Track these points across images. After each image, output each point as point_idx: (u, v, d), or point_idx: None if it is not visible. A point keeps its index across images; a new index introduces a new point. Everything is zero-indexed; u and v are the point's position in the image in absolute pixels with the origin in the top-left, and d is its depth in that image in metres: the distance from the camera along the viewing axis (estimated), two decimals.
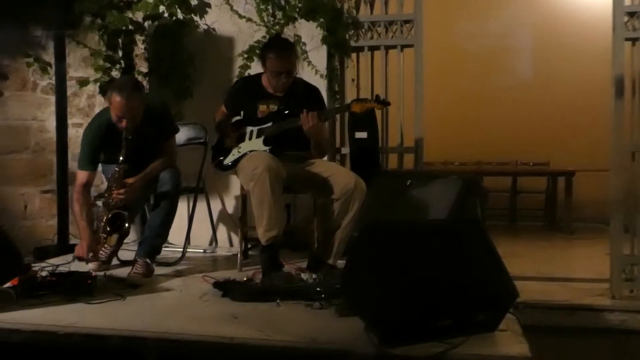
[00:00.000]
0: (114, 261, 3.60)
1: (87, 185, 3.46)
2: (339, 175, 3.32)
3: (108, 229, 3.39)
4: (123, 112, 3.31)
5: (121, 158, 3.35)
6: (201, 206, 4.02)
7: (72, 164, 4.46)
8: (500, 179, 6.61)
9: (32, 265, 3.21)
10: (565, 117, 6.58)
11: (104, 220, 3.39)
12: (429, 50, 4.48)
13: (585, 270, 4.26)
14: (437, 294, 2.08)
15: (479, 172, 6.25)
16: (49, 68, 4.46)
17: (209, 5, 4.29)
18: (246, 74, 4.23)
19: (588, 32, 6.18)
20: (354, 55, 4.53)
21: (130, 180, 3.38)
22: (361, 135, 4.20)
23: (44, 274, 2.98)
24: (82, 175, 3.45)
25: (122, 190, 3.34)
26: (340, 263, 3.25)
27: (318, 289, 2.73)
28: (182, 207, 3.69)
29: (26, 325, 2.38)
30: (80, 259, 3.38)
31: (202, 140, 4.07)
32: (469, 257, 2.21)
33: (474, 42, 6.97)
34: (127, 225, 3.38)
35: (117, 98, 3.29)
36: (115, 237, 3.43)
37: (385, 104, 3.49)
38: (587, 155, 6.05)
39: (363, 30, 4.49)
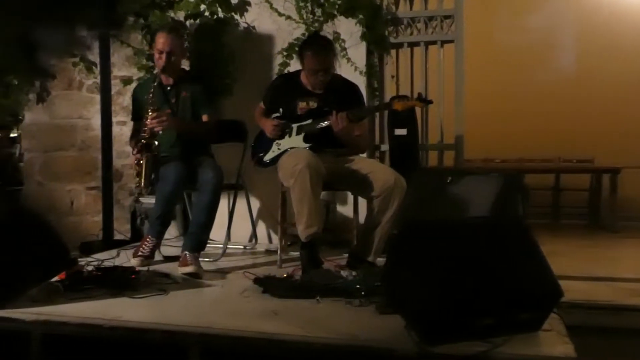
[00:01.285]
0: (157, 257, 3.66)
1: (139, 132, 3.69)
2: (378, 173, 3.31)
3: (138, 156, 3.51)
4: (162, 45, 3.55)
5: (151, 93, 3.51)
6: (241, 203, 4.05)
7: (117, 161, 4.57)
8: (542, 176, 6.48)
9: (78, 260, 3.30)
10: (610, 113, 6.41)
11: (136, 148, 3.53)
12: (470, 45, 4.43)
13: (631, 269, 4.15)
14: (479, 292, 2.05)
15: (520, 169, 6.15)
16: (94, 67, 4.58)
17: (249, 4, 4.32)
18: (285, 71, 4.25)
19: (632, 27, 6.01)
20: (393, 51, 4.52)
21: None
22: (401, 132, 4.18)
23: (89, 268, 3.06)
24: (134, 125, 3.83)
25: (154, 115, 3.46)
26: (380, 260, 3.25)
27: (358, 286, 2.73)
28: (223, 204, 3.72)
29: (73, 318, 2.44)
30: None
31: (241, 137, 4.10)
32: (512, 255, 2.17)
33: (516, 37, 6.84)
34: (155, 144, 3.49)
35: (158, 34, 3.62)
36: (146, 159, 3.50)
37: (427, 102, 3.47)
38: (633, 152, 5.90)
39: (402, 26, 4.48)
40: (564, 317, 2.34)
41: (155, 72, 3.76)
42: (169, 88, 3.69)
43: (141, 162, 3.50)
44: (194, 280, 3.18)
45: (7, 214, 2.64)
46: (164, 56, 3.57)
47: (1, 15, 3.69)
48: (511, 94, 6.75)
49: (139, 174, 3.52)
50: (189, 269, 3.23)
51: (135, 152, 3.53)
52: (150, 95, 3.55)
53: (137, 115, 3.76)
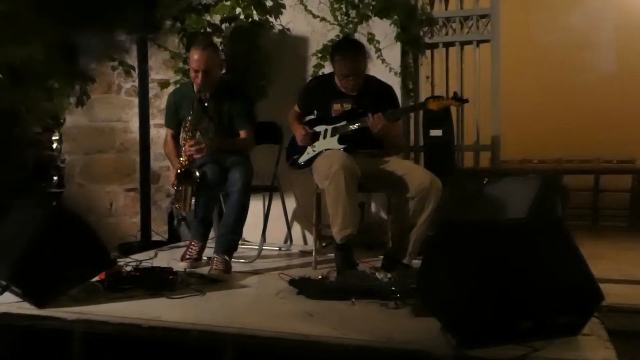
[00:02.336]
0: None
1: (174, 137, 3.74)
2: (414, 174, 3.29)
3: (178, 184, 3.48)
4: (198, 64, 3.48)
5: (190, 114, 3.48)
6: (276, 204, 4.07)
7: (154, 164, 4.64)
8: (581, 177, 6.36)
9: (118, 260, 3.36)
10: None
11: (175, 174, 3.49)
12: (506, 45, 4.38)
13: None
14: (517, 295, 2.02)
15: (559, 170, 6.04)
16: (132, 71, 4.65)
17: (283, 6, 4.34)
18: (320, 73, 4.26)
19: None
20: (428, 52, 4.48)
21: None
22: (436, 133, 4.15)
23: (128, 268, 3.11)
24: (168, 132, 3.82)
25: (192, 142, 3.44)
26: (415, 263, 3.23)
27: (393, 288, 2.72)
28: (258, 206, 3.75)
29: (113, 317, 2.48)
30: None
31: (276, 139, 4.12)
32: (551, 257, 2.13)
33: (554, 36, 6.73)
34: (196, 174, 3.45)
35: (192, 51, 3.53)
36: (188, 190, 3.48)
37: (463, 101, 3.44)
38: None
39: (437, 26, 4.44)
40: (604, 321, 2.29)
41: (190, 87, 3.70)
42: (206, 104, 3.62)
43: (180, 189, 3.46)
44: (230, 281, 3.21)
45: (49, 216, 2.70)
46: (200, 75, 3.49)
47: (44, 21, 3.78)
48: (549, 93, 6.65)
49: (177, 200, 3.48)
50: (214, 272, 3.25)
51: (174, 182, 3.49)
52: (189, 118, 3.50)
53: (171, 122, 3.77)
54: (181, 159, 3.49)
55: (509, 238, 2.18)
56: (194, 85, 3.58)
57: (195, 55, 3.50)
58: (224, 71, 4.13)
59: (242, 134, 3.70)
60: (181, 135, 3.62)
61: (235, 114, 3.66)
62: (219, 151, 3.57)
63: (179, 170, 3.46)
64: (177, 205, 3.52)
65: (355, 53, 3.44)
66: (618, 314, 3.16)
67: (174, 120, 3.76)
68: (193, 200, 3.52)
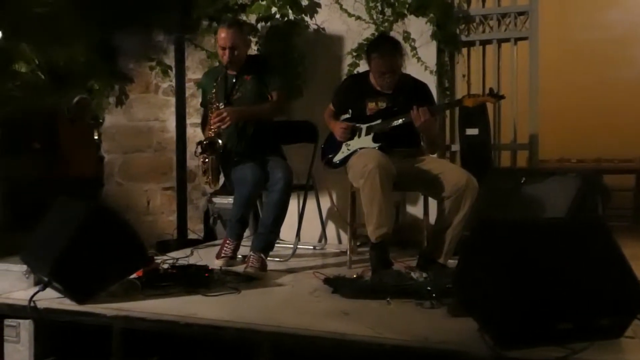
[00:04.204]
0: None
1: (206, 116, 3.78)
2: (449, 173, 3.26)
3: (204, 155, 3.59)
4: (224, 41, 3.58)
5: (214, 88, 3.60)
6: (311, 203, 4.08)
7: (191, 162, 4.68)
8: (622, 177, 6.21)
9: (155, 258, 3.40)
10: None
11: (198, 143, 3.62)
12: (545, 42, 4.30)
13: None
14: (557, 296, 1.98)
15: (598, 169, 5.91)
16: (169, 71, 4.72)
17: (319, 5, 4.34)
18: (355, 72, 4.25)
19: None
20: (464, 50, 4.43)
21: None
22: (472, 131, 4.10)
23: (165, 266, 3.15)
24: (203, 111, 3.90)
25: (215, 113, 3.51)
26: (451, 262, 3.20)
27: (428, 288, 2.69)
28: (293, 205, 3.75)
29: (150, 314, 2.51)
30: None
31: (312, 138, 4.13)
32: (592, 258, 2.09)
33: (594, 33, 6.60)
34: (219, 143, 3.55)
35: (219, 30, 3.65)
36: (211, 159, 3.58)
37: (499, 97, 3.39)
38: None
39: (474, 24, 4.39)
40: None
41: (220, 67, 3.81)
42: (234, 80, 3.69)
43: (207, 160, 3.58)
44: (265, 279, 3.22)
45: (90, 213, 2.75)
46: (227, 52, 3.59)
47: (85, 22, 3.86)
48: (588, 91, 6.52)
49: (205, 172, 3.60)
50: (250, 270, 3.27)
51: (199, 152, 3.60)
52: (213, 92, 3.63)
53: (203, 101, 3.88)
54: (210, 132, 3.59)
55: (547, 237, 2.14)
56: (223, 64, 3.68)
57: (222, 34, 3.61)
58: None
59: (274, 95, 3.72)
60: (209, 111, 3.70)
61: (262, 79, 3.70)
62: (245, 120, 3.64)
63: (204, 142, 3.58)
64: (206, 180, 3.62)
65: (392, 50, 3.43)
66: None
67: (204, 99, 3.85)
68: (222, 176, 3.62)
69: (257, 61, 3.85)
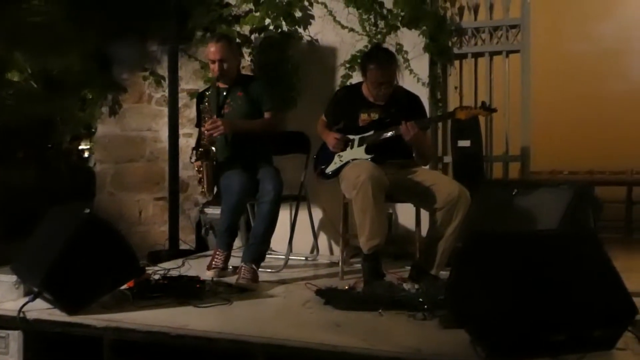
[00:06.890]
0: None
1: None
2: (442, 184, 3.27)
3: (198, 163, 3.61)
4: (214, 55, 3.63)
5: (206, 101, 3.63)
6: (303, 214, 4.08)
7: (183, 173, 4.67)
8: (614, 189, 6.24)
9: (146, 268, 3.38)
10: None
11: (192, 149, 3.66)
12: (536, 55, 4.34)
13: None
14: (549, 307, 1.99)
15: (590, 181, 5.93)
16: (162, 81, 4.71)
17: (312, 17, 4.37)
18: (348, 83, 4.27)
19: None
20: (456, 62, 4.46)
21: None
22: (464, 143, 4.12)
23: (156, 277, 3.13)
24: (198, 132, 3.85)
25: (209, 122, 3.54)
26: (443, 274, 3.20)
27: (421, 299, 2.69)
28: (284, 215, 3.74)
29: (141, 325, 2.50)
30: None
31: (304, 149, 4.13)
32: (583, 270, 2.10)
33: (585, 45, 6.66)
34: (213, 150, 3.58)
35: (208, 45, 3.72)
36: (205, 166, 3.60)
37: (491, 110, 3.40)
38: None
39: (466, 36, 4.42)
40: (639, 336, 2.23)
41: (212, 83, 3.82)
42: (224, 93, 3.72)
43: (201, 169, 3.59)
44: (257, 290, 3.21)
45: (81, 224, 2.74)
46: (217, 65, 3.63)
47: (81, 31, 3.86)
48: (580, 104, 6.55)
49: (200, 181, 3.62)
50: (242, 281, 3.26)
51: (193, 160, 3.63)
52: (206, 103, 3.67)
53: (199, 122, 3.86)
54: (203, 140, 3.62)
55: (539, 249, 2.16)
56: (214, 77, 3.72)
57: (211, 48, 3.67)
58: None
59: (266, 115, 3.74)
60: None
61: (255, 97, 3.72)
62: (238, 132, 3.65)
63: (199, 149, 3.60)
64: (201, 189, 3.64)
65: (388, 61, 3.44)
66: None
67: (200, 121, 3.86)
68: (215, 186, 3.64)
69: (252, 80, 3.88)
